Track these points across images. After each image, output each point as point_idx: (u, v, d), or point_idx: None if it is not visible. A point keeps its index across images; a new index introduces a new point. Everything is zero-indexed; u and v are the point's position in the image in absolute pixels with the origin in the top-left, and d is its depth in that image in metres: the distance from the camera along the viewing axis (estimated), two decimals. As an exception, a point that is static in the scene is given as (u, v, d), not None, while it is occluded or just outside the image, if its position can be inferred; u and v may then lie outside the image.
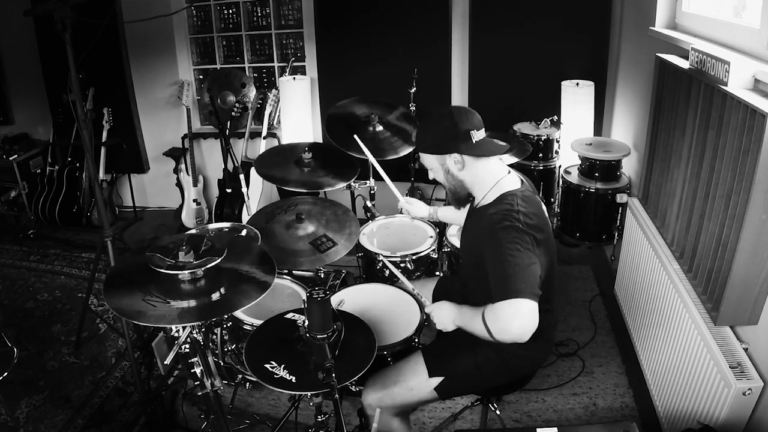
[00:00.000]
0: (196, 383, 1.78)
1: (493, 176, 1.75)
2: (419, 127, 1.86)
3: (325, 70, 3.96)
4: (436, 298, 2.15)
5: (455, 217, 2.35)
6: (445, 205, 2.78)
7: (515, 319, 1.47)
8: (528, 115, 3.59)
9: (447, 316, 1.74)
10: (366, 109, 2.97)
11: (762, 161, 1.56)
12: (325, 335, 1.61)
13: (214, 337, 2.10)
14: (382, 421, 1.83)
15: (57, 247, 4.04)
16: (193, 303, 1.59)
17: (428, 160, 1.80)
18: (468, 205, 1.98)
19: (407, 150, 2.90)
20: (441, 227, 2.71)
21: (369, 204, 2.91)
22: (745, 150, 1.65)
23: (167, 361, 1.69)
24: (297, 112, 3.90)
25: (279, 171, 2.73)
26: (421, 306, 2.08)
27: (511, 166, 1.84)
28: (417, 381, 1.81)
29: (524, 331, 1.47)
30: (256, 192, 3.93)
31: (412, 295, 2.16)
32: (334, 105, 3.06)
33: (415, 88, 3.46)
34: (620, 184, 3.11)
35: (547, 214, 1.78)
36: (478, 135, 1.71)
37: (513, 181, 1.75)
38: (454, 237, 2.55)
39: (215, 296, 1.62)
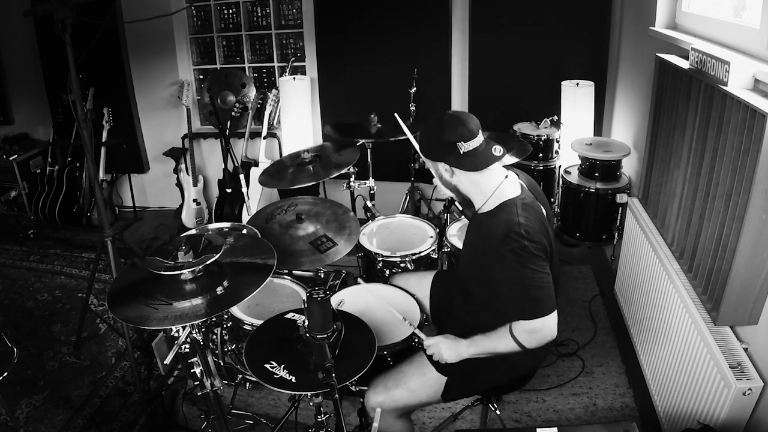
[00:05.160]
0: (196, 383, 1.78)
1: (491, 183, 1.72)
2: (421, 126, 1.85)
3: (325, 70, 3.96)
4: (434, 295, 2.15)
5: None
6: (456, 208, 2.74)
7: (548, 331, 1.65)
8: (528, 115, 3.59)
9: (454, 350, 1.76)
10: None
11: (762, 161, 1.56)
12: (325, 335, 1.61)
13: (214, 337, 2.10)
14: (385, 424, 1.83)
15: (57, 247, 4.04)
16: (198, 300, 1.61)
17: (427, 161, 1.80)
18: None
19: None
20: (441, 227, 2.71)
21: (369, 204, 2.91)
22: (745, 150, 1.65)
23: (167, 361, 1.69)
24: (297, 112, 3.90)
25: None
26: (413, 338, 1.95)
27: (510, 166, 1.84)
28: (419, 383, 1.81)
29: (552, 337, 1.67)
30: (256, 192, 3.93)
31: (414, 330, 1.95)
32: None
33: (415, 88, 3.46)
34: (620, 184, 3.11)
35: (547, 219, 1.78)
36: (468, 146, 1.65)
37: (513, 188, 1.73)
38: (454, 237, 2.55)
39: (219, 290, 1.65)
